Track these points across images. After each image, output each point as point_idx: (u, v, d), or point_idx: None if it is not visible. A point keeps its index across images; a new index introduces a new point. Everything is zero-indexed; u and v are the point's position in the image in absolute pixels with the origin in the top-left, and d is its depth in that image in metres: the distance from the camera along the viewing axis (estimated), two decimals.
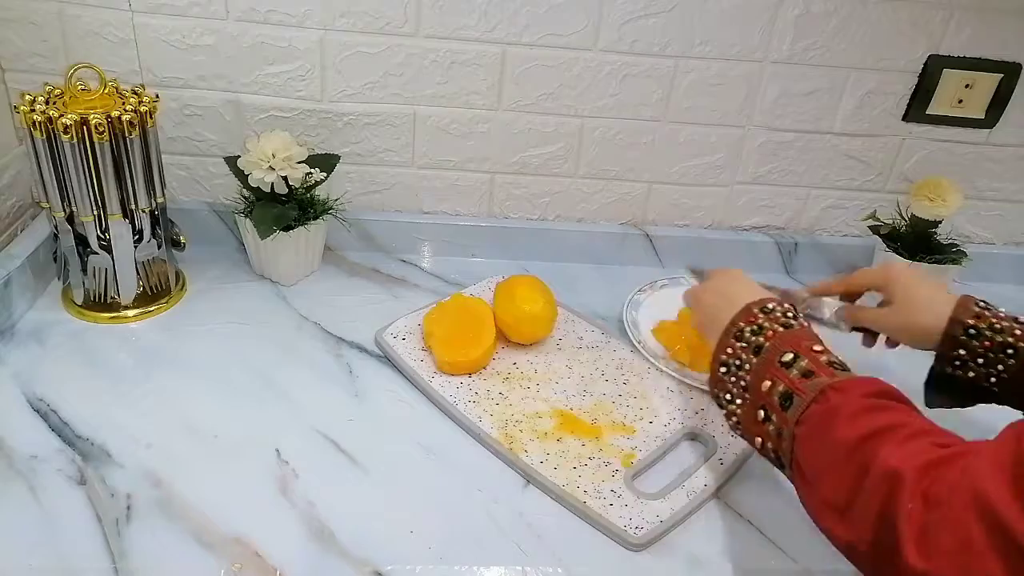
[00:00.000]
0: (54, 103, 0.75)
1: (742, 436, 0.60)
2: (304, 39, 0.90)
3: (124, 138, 0.77)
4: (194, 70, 0.91)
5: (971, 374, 0.65)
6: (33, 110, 0.73)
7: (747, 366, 0.59)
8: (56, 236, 0.82)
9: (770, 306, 0.62)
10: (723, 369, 0.62)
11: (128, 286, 0.85)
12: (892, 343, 0.74)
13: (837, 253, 1.12)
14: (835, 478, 0.47)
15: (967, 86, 0.99)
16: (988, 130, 1.04)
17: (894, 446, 0.45)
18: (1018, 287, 1.14)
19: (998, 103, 1.01)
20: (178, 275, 0.92)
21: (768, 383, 0.56)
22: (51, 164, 0.76)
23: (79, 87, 0.77)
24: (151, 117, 0.79)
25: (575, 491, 0.67)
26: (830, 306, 0.78)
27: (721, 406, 0.62)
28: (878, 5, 0.94)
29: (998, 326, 0.64)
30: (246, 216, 0.90)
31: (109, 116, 0.75)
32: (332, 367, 0.81)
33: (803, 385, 0.54)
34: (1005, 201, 1.11)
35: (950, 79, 0.99)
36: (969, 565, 0.38)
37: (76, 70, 0.76)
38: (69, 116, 0.73)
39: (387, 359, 0.83)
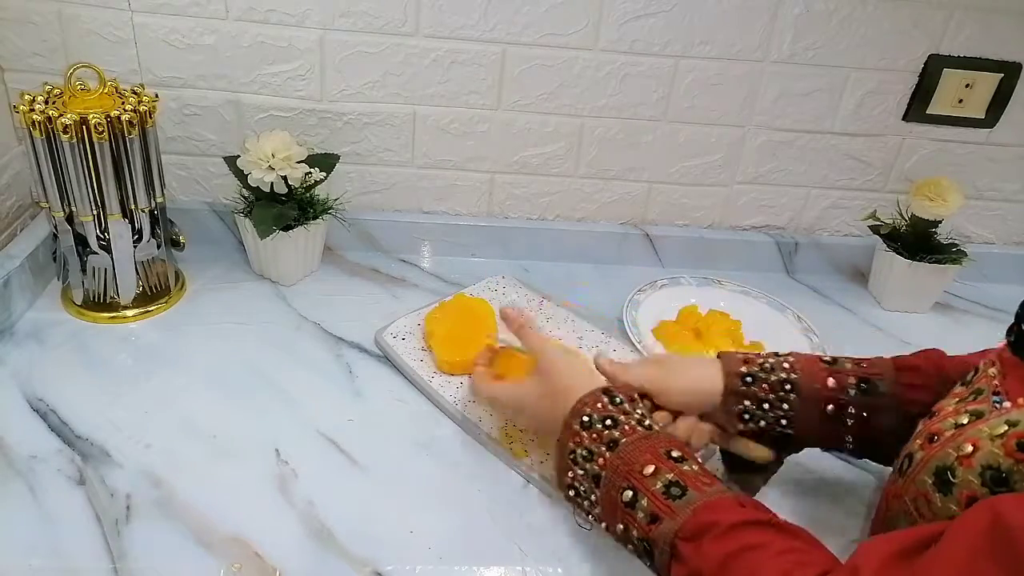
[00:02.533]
0: (53, 103, 0.75)
1: (603, 526, 0.57)
2: (304, 39, 0.90)
3: (124, 138, 0.77)
4: (194, 70, 0.91)
5: (762, 423, 0.63)
6: (32, 110, 0.73)
7: (600, 460, 0.56)
8: (56, 236, 0.82)
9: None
10: (571, 456, 0.58)
11: (127, 286, 0.84)
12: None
13: (837, 253, 1.12)
14: None
15: (967, 86, 0.99)
16: (988, 130, 1.04)
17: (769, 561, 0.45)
18: (1018, 287, 1.14)
19: (998, 103, 1.01)
20: (177, 275, 0.92)
21: (630, 493, 0.53)
22: (50, 164, 0.76)
23: (79, 87, 0.77)
24: (151, 117, 0.79)
25: None
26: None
27: (564, 489, 0.59)
28: (878, 5, 0.94)
29: (767, 365, 0.63)
30: (246, 216, 0.90)
31: (109, 116, 0.75)
32: (332, 367, 0.81)
33: (671, 507, 0.51)
34: (1005, 201, 1.11)
35: (950, 79, 0.99)
36: None
37: (76, 70, 0.76)
38: (69, 116, 0.73)
39: (387, 359, 0.83)
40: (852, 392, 0.62)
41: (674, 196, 1.08)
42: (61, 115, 0.73)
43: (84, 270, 0.83)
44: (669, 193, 1.07)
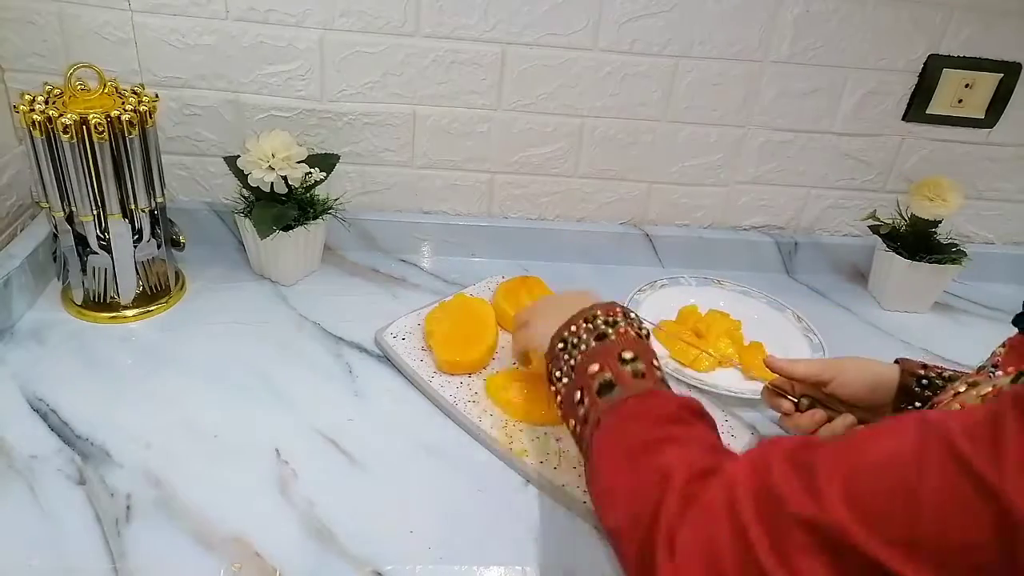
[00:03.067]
0: (54, 103, 0.75)
1: (562, 419, 0.61)
2: (304, 39, 0.90)
3: (124, 138, 0.77)
4: (194, 70, 0.91)
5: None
6: (33, 110, 0.73)
7: (583, 347, 0.60)
8: (56, 236, 0.82)
9: (632, 315, 0.64)
10: (560, 345, 0.62)
11: (128, 286, 0.84)
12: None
13: (837, 253, 1.12)
14: (619, 475, 0.49)
15: (967, 86, 0.99)
16: (988, 130, 1.04)
17: (678, 450, 0.47)
18: (1018, 287, 1.14)
19: (998, 103, 1.01)
20: (178, 275, 0.92)
21: (596, 367, 0.57)
22: (51, 164, 0.76)
23: (79, 87, 0.77)
24: (151, 117, 0.79)
25: (575, 491, 0.67)
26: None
27: (551, 383, 0.63)
28: (878, 5, 0.94)
29: (947, 375, 0.65)
30: (246, 216, 0.90)
31: (109, 116, 0.75)
32: (332, 367, 0.81)
33: (630, 381, 0.55)
34: (1005, 201, 1.11)
35: (950, 79, 0.99)
36: (709, 565, 0.39)
37: (76, 70, 0.76)
38: (69, 116, 0.73)
39: (387, 359, 0.83)
40: None
41: (674, 196, 1.08)
42: (61, 115, 0.73)
43: (84, 270, 0.83)
44: (669, 193, 1.07)
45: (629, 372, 0.56)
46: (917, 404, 0.64)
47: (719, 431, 0.53)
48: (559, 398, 0.61)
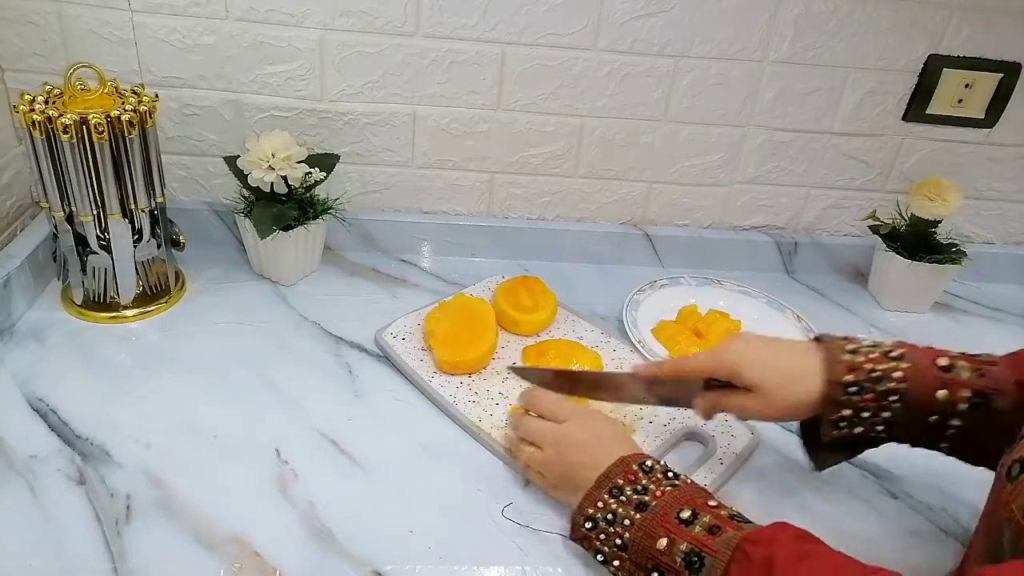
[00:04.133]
0: (53, 103, 0.75)
1: None
2: (304, 39, 0.90)
3: (124, 138, 0.77)
4: (194, 70, 0.91)
5: (858, 429, 0.59)
6: (32, 110, 0.73)
7: (626, 521, 0.54)
8: (55, 236, 0.82)
9: (648, 463, 0.58)
10: (588, 524, 0.57)
11: (127, 286, 0.84)
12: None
13: (837, 253, 1.12)
14: None
15: (967, 86, 0.99)
16: (988, 130, 1.04)
17: None
18: (1018, 287, 1.14)
19: (998, 103, 1.01)
20: (177, 275, 0.92)
21: (665, 540, 0.52)
22: (50, 164, 0.76)
23: (78, 87, 0.77)
24: (151, 117, 0.79)
25: None
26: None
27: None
28: (878, 5, 0.94)
29: (876, 373, 0.58)
30: (246, 216, 0.90)
31: (108, 116, 0.75)
32: (332, 367, 0.81)
33: (713, 543, 0.50)
34: (1005, 201, 1.11)
35: (950, 79, 0.99)
36: None
37: (75, 70, 0.76)
38: (68, 116, 0.73)
39: (387, 359, 0.83)
40: (963, 407, 0.57)
41: (674, 196, 1.08)
42: (61, 115, 0.73)
43: (84, 270, 0.83)
44: (669, 193, 1.07)
45: (702, 531, 0.51)
46: (846, 411, 0.59)
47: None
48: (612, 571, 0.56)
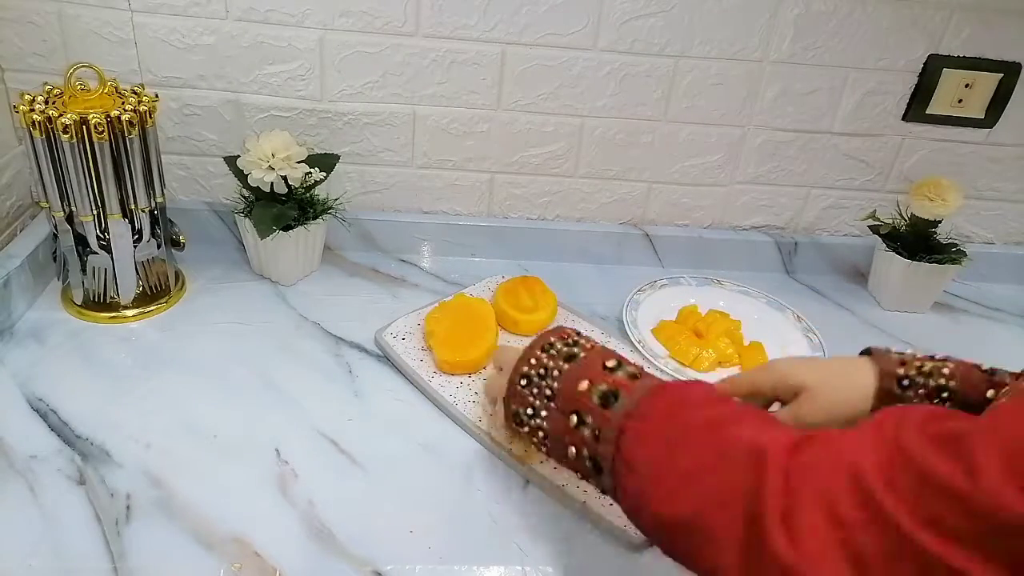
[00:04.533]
0: (53, 103, 0.75)
1: (548, 454, 0.57)
2: (304, 39, 0.90)
3: (123, 138, 0.77)
4: (194, 70, 0.91)
5: None
6: (32, 110, 0.73)
7: (555, 372, 0.56)
8: (55, 236, 0.82)
9: (584, 331, 0.62)
10: (523, 381, 0.58)
11: (127, 286, 0.84)
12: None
13: (837, 253, 1.12)
14: (675, 463, 0.45)
15: (967, 86, 0.99)
16: (988, 130, 1.04)
17: (751, 429, 0.44)
18: (1018, 287, 1.14)
19: (998, 103, 1.01)
20: (177, 275, 0.92)
21: (586, 383, 0.53)
22: (50, 164, 0.76)
23: (78, 87, 0.77)
24: (151, 117, 0.79)
25: (575, 491, 0.67)
26: None
27: (520, 423, 0.58)
28: (878, 5, 0.94)
29: (925, 369, 0.60)
30: (246, 216, 0.90)
31: (108, 116, 0.75)
32: (332, 367, 0.81)
33: (631, 384, 0.52)
34: (1005, 201, 1.11)
35: (950, 79, 0.99)
36: (840, 541, 0.36)
37: (75, 70, 0.76)
38: (68, 116, 0.73)
39: (387, 359, 0.83)
40: None
41: (674, 196, 1.08)
42: (61, 115, 0.73)
43: (84, 270, 0.83)
44: (669, 193, 1.07)
45: (624, 376, 0.53)
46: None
47: None
48: (540, 433, 0.57)
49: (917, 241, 1.01)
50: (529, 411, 0.57)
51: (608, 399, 0.52)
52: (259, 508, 0.63)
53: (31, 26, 0.86)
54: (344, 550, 0.60)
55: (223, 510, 0.62)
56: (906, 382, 0.59)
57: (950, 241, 1.02)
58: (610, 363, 0.55)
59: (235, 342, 0.83)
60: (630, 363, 0.56)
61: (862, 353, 0.64)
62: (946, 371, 0.59)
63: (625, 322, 0.91)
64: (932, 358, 0.61)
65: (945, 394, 0.59)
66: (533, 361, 0.58)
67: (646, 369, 0.56)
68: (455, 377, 0.79)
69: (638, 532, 0.62)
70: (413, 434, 0.73)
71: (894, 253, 1.01)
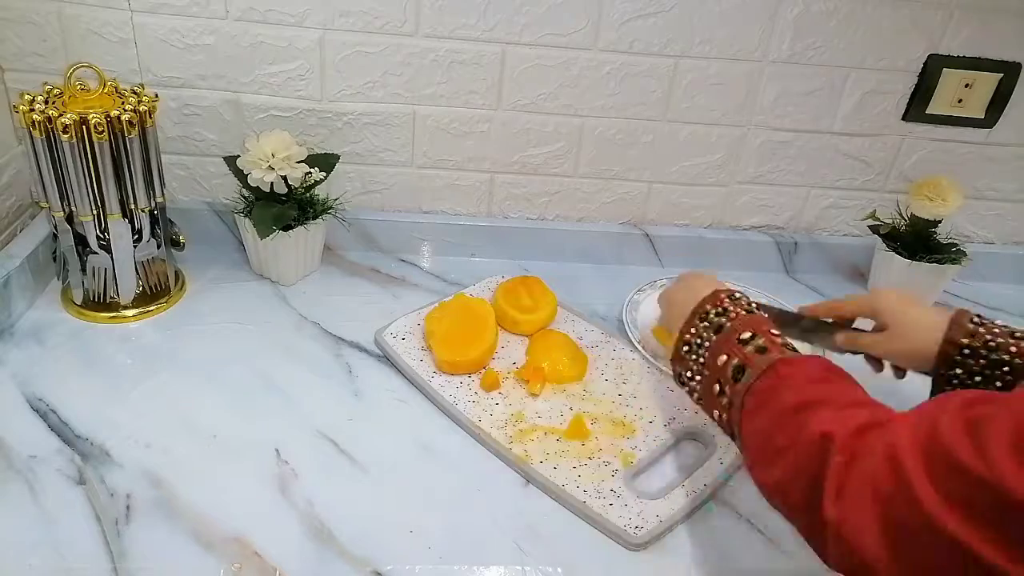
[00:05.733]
0: (53, 103, 0.75)
1: (706, 411, 0.64)
2: (304, 39, 0.90)
3: (123, 138, 0.77)
4: (193, 70, 0.91)
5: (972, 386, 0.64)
6: (32, 110, 0.73)
7: (707, 343, 0.63)
8: (55, 236, 0.82)
9: (737, 294, 0.67)
10: (685, 348, 0.66)
11: (127, 286, 0.84)
12: (899, 371, 0.74)
13: (837, 253, 1.12)
14: (772, 439, 0.51)
15: (967, 86, 0.99)
16: (988, 130, 1.04)
17: (830, 412, 0.49)
18: (1018, 287, 1.14)
19: (998, 103, 1.01)
20: (177, 275, 0.92)
21: (724, 357, 0.60)
22: (50, 164, 0.76)
23: (78, 87, 0.77)
24: (150, 117, 0.79)
25: (575, 491, 0.67)
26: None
27: (683, 383, 0.66)
28: (878, 5, 0.94)
29: (993, 343, 0.63)
30: (245, 216, 0.90)
31: (108, 116, 0.75)
32: (331, 367, 0.81)
33: (756, 359, 0.58)
34: (1005, 201, 1.11)
35: (950, 79, 0.99)
36: (875, 509, 0.41)
37: (75, 70, 0.76)
38: (68, 116, 0.73)
39: (387, 359, 0.83)
40: None
41: (674, 196, 1.08)
42: (61, 115, 0.73)
43: (84, 270, 0.83)
44: (669, 193, 1.07)
45: (752, 350, 0.59)
46: (959, 371, 0.64)
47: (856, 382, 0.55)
48: (696, 395, 0.64)
49: (917, 241, 1.01)
50: (687, 374, 0.65)
51: (738, 373, 0.58)
52: (259, 508, 0.63)
53: (31, 26, 0.86)
54: (344, 550, 0.60)
55: (223, 510, 0.62)
56: (967, 351, 0.64)
57: (950, 241, 1.02)
58: (745, 335, 0.60)
59: (235, 342, 0.83)
60: (765, 332, 0.60)
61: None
62: (1014, 348, 0.63)
63: (625, 322, 0.91)
64: (1012, 334, 0.64)
65: (1006, 368, 0.62)
66: (692, 331, 0.66)
67: (743, 347, 0.60)
68: (455, 377, 0.79)
69: (638, 532, 0.63)
70: (413, 434, 0.73)
71: (894, 253, 1.01)
